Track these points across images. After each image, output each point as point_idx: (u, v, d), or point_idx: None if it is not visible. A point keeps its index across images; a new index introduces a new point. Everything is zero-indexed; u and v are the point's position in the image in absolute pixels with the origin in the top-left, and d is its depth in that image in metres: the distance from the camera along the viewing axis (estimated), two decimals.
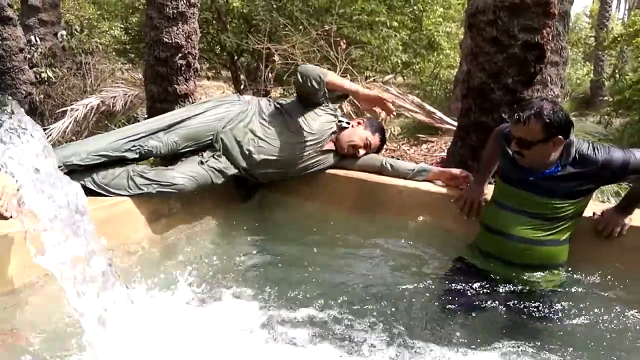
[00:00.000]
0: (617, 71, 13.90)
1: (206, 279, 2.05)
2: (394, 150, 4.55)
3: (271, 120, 2.61)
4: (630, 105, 11.38)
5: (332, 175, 2.84)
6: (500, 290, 2.07)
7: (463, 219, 2.43)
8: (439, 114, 5.51)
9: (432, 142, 4.90)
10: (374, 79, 9.25)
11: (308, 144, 2.66)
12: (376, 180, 2.76)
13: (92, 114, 5.67)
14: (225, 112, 2.56)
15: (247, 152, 2.53)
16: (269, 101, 2.75)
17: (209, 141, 2.53)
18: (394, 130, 4.71)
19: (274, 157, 2.58)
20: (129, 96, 5.81)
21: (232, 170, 2.55)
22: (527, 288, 2.09)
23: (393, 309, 1.95)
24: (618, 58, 15.70)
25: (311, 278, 2.14)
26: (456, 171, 2.65)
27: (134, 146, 2.34)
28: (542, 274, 2.11)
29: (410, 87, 11.87)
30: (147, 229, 2.36)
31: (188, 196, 2.52)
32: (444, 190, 2.63)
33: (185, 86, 4.17)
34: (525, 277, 2.11)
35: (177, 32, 3.93)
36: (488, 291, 2.07)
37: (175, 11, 3.87)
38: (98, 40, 9.91)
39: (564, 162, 2.02)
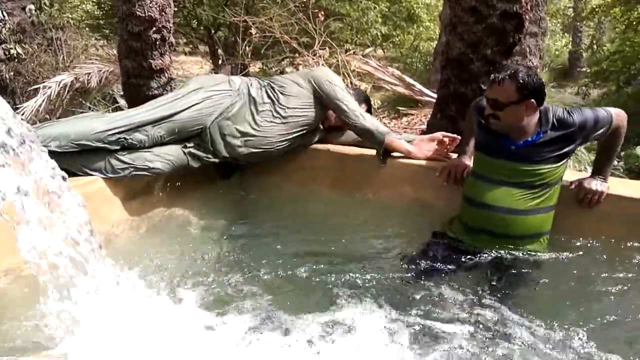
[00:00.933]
0: (594, 42, 14.01)
1: (178, 266, 2.00)
2: None
3: (262, 111, 2.55)
4: (608, 76, 11.51)
5: (313, 150, 2.83)
6: (486, 260, 2.10)
7: (443, 192, 2.43)
8: (419, 86, 5.50)
9: (412, 114, 4.89)
10: (353, 52, 9.20)
11: (297, 130, 2.62)
12: (358, 152, 2.75)
13: (66, 92, 5.52)
14: (215, 106, 2.47)
15: (233, 145, 2.50)
16: (260, 85, 2.65)
17: (196, 133, 2.47)
18: (374, 104, 4.69)
19: (261, 149, 2.56)
20: (103, 72, 5.66)
21: (213, 160, 2.53)
22: (514, 257, 2.11)
23: (375, 283, 1.96)
24: (596, 29, 15.78)
25: (288, 260, 2.11)
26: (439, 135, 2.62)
27: (119, 138, 2.26)
28: (528, 243, 2.14)
29: (390, 60, 11.80)
30: (123, 210, 2.33)
31: (166, 176, 2.49)
32: (423, 162, 2.63)
33: (160, 61, 4.06)
34: (511, 247, 2.13)
35: (150, 5, 3.80)
36: (473, 263, 2.10)
37: None
38: (69, 15, 9.61)
39: (544, 128, 2.06)
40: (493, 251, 2.13)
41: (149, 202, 2.47)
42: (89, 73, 5.58)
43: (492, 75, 2.01)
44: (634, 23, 11.22)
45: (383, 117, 4.70)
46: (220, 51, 8.96)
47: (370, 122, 2.58)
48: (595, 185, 2.19)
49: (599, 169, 2.25)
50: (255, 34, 4.99)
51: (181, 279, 1.89)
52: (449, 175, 2.44)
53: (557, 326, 1.68)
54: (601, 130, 2.10)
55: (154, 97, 4.11)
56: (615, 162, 4.12)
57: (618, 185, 2.31)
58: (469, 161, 2.41)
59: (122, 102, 5.44)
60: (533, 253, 2.13)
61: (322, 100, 2.61)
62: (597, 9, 13.05)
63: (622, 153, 4.51)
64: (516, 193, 2.08)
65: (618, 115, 2.13)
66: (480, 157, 2.23)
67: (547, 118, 2.06)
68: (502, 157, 2.11)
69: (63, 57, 6.37)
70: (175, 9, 8.85)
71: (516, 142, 2.08)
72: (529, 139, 2.06)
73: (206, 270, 1.99)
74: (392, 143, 2.58)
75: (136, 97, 4.17)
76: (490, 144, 2.16)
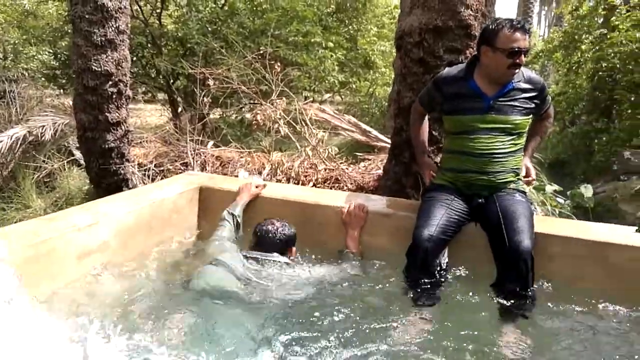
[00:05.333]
0: None
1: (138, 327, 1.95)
2: (333, 169, 4.61)
3: None
4: (554, 116, 12.11)
5: (270, 200, 2.87)
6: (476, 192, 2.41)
7: (397, 236, 2.49)
8: (375, 132, 5.65)
9: (370, 159, 5.00)
10: (312, 99, 9.41)
11: None
12: (315, 202, 2.81)
13: (18, 145, 5.41)
14: None
15: None
16: None
17: None
18: (331, 151, 4.78)
19: None
20: (58, 125, 5.58)
21: None
22: (500, 188, 2.39)
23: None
24: (541, 72, 16.69)
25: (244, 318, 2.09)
26: (351, 208, 2.70)
27: None
28: (510, 177, 2.41)
29: (348, 106, 12.11)
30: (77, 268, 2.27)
31: (125, 231, 2.46)
32: (379, 209, 2.71)
33: (117, 114, 4.06)
34: (498, 181, 2.39)
35: (107, 59, 3.83)
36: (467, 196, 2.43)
37: (103, 39, 3.78)
38: (24, 66, 9.51)
39: (517, 78, 2.35)
40: (482, 186, 2.41)
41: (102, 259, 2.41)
42: (44, 125, 5.49)
43: (513, 22, 2.26)
44: (574, 67, 11.93)
45: (341, 164, 4.79)
46: (179, 99, 9.03)
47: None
48: (530, 164, 2.64)
49: (532, 151, 2.67)
50: (213, 84, 5.06)
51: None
52: (427, 175, 2.74)
53: None
54: (546, 106, 2.52)
55: (110, 149, 4.12)
56: (562, 201, 4.31)
57: (563, 225, 2.45)
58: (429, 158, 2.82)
59: (77, 154, 5.37)
60: (515, 185, 2.42)
61: None
62: (540, 54, 13.85)
63: (569, 192, 4.72)
64: (497, 140, 2.35)
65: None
66: (459, 119, 2.44)
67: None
68: (481, 112, 2.36)
69: (16, 109, 6.28)
70: (134, 58, 8.98)
71: (493, 95, 2.34)
72: (504, 89, 2.34)
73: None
74: (355, 244, 2.63)
75: (93, 150, 4.14)
76: (467, 105, 2.39)
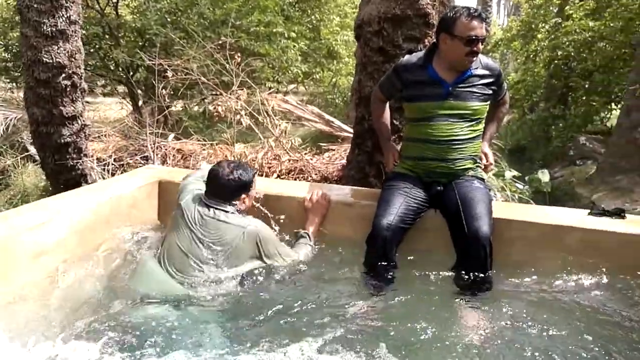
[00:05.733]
0: None
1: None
2: (297, 160, 4.60)
3: None
4: (513, 104, 12.41)
5: None
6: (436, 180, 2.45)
7: (359, 224, 2.51)
8: (338, 122, 5.66)
9: (333, 150, 5.01)
10: (277, 90, 9.34)
11: None
12: (277, 193, 2.79)
13: None
14: None
15: None
16: None
17: None
18: (295, 142, 4.76)
19: None
20: (10, 120, 5.37)
21: None
22: (459, 175, 2.44)
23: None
24: (500, 60, 17.04)
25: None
26: (315, 197, 2.72)
27: None
28: (469, 163, 2.46)
29: (311, 96, 12.08)
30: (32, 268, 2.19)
31: (82, 228, 2.39)
32: (341, 199, 2.72)
33: (72, 108, 3.93)
34: (457, 168, 2.43)
35: (58, 51, 3.69)
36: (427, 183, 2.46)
37: (54, 29, 3.63)
38: None
39: (474, 65, 2.39)
40: (441, 174, 2.45)
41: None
42: None
43: (470, 10, 2.30)
44: (532, 55, 12.22)
45: (305, 154, 4.78)
46: (139, 92, 8.82)
47: (302, 254, 2.46)
48: (488, 150, 2.65)
49: (490, 137, 2.71)
50: (172, 76, 4.95)
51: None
52: (390, 161, 2.72)
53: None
54: (503, 92, 2.60)
55: (67, 144, 3.99)
56: (521, 186, 4.42)
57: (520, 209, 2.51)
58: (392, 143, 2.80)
59: (32, 150, 5.18)
60: (474, 172, 2.48)
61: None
62: (499, 43, 14.14)
63: (527, 178, 4.85)
64: (456, 126, 2.38)
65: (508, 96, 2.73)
66: (419, 105, 2.46)
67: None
68: (440, 99, 2.39)
69: None
70: (91, 50, 8.71)
71: (451, 82, 2.38)
72: (462, 76, 2.38)
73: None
74: (315, 230, 2.64)
75: (48, 145, 4.00)
76: (427, 92, 2.42)
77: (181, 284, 2.13)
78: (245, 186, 2.35)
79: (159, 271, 2.19)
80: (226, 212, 2.29)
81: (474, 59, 2.36)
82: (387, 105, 2.83)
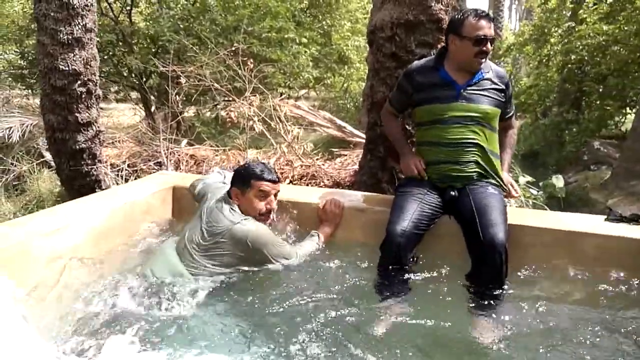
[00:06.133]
0: (512, 77, 15.01)
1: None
2: (309, 166, 4.60)
3: None
4: (526, 109, 12.33)
5: None
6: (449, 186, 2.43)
7: (371, 230, 2.50)
8: (350, 127, 5.67)
9: (345, 155, 5.01)
10: (288, 96, 9.38)
11: None
12: (289, 198, 2.80)
13: None
14: None
15: None
16: None
17: None
18: (307, 147, 4.77)
19: None
20: (26, 126, 5.44)
21: None
22: (473, 182, 2.40)
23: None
24: (513, 65, 16.94)
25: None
26: (327, 205, 2.70)
27: None
28: (483, 170, 2.43)
29: (323, 101, 12.10)
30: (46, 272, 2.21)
31: (97, 233, 2.41)
32: (354, 205, 2.71)
33: (87, 114, 3.97)
34: (471, 171, 2.41)
35: (74, 58, 3.74)
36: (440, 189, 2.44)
37: (70, 37, 3.68)
38: None
39: (486, 69, 2.43)
40: (454, 177, 2.42)
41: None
42: (11, 127, 5.34)
43: (478, 11, 2.33)
44: (545, 59, 12.13)
45: (317, 160, 4.78)
46: (152, 98, 8.90)
47: (304, 250, 2.47)
48: (510, 178, 2.61)
49: (508, 165, 2.66)
50: (185, 82, 5.00)
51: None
52: (415, 170, 2.55)
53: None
54: (511, 108, 2.60)
55: (82, 150, 4.04)
56: (535, 192, 4.38)
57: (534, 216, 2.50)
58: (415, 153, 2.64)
59: (48, 156, 5.24)
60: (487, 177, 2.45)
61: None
62: (511, 47, 14.06)
63: (541, 183, 4.80)
64: (468, 128, 2.38)
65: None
66: (430, 108, 2.45)
67: (487, 64, 2.45)
68: (452, 100, 2.39)
69: None
70: (105, 57, 8.81)
71: (463, 84, 2.39)
72: (472, 79, 2.40)
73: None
74: (326, 237, 2.61)
75: (63, 151, 4.05)
76: (439, 94, 2.42)
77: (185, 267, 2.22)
78: (241, 178, 2.40)
79: (172, 254, 2.28)
80: (232, 208, 2.33)
81: (483, 60, 2.37)
82: (400, 120, 2.81)
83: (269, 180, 2.40)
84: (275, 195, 2.48)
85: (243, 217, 2.32)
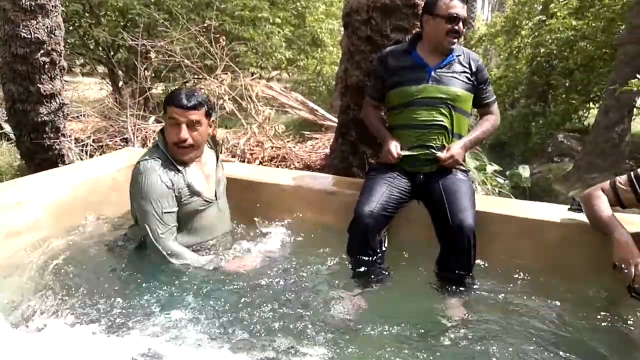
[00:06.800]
0: None
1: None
2: (280, 148, 4.56)
3: None
4: (496, 99, 12.52)
5: None
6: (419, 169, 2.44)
7: (342, 213, 2.49)
8: (322, 111, 5.64)
9: (317, 138, 4.99)
10: (259, 76, 9.24)
11: None
12: (259, 179, 2.77)
13: None
14: None
15: None
16: None
17: None
18: (278, 129, 4.72)
19: None
20: None
21: None
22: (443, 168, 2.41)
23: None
24: (484, 56, 17.14)
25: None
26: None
27: None
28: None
29: (295, 84, 12.00)
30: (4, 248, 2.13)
31: (59, 209, 2.32)
32: (324, 188, 2.71)
33: (50, 85, 3.81)
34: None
35: (37, 26, 3.57)
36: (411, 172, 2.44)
37: (33, 3, 3.51)
38: None
39: (457, 52, 2.45)
40: (424, 161, 2.42)
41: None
42: None
43: None
44: (515, 51, 12.32)
45: (288, 142, 4.74)
46: (120, 73, 8.63)
47: (185, 258, 2.16)
48: (457, 149, 2.41)
49: (469, 141, 2.48)
50: (155, 57, 4.86)
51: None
52: (392, 157, 2.44)
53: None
54: (487, 94, 2.55)
55: (44, 123, 3.89)
56: (502, 181, 4.46)
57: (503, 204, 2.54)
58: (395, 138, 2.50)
59: (7, 127, 5.03)
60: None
61: None
62: (483, 38, 14.22)
63: (507, 173, 4.90)
64: (437, 111, 2.39)
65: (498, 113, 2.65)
66: (401, 90, 2.46)
67: (459, 48, 2.48)
68: (423, 82, 2.41)
69: None
70: (70, 27, 8.47)
71: (434, 65, 2.42)
72: (444, 60, 2.42)
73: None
74: (226, 270, 2.19)
75: (24, 123, 3.89)
76: (410, 76, 2.44)
77: None
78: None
79: None
80: (154, 143, 2.22)
81: (455, 40, 2.39)
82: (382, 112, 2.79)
83: (177, 106, 2.08)
84: (190, 125, 2.11)
85: (150, 154, 2.12)
